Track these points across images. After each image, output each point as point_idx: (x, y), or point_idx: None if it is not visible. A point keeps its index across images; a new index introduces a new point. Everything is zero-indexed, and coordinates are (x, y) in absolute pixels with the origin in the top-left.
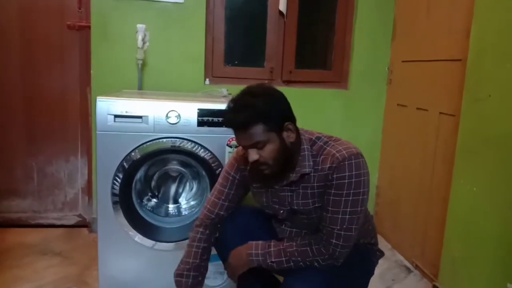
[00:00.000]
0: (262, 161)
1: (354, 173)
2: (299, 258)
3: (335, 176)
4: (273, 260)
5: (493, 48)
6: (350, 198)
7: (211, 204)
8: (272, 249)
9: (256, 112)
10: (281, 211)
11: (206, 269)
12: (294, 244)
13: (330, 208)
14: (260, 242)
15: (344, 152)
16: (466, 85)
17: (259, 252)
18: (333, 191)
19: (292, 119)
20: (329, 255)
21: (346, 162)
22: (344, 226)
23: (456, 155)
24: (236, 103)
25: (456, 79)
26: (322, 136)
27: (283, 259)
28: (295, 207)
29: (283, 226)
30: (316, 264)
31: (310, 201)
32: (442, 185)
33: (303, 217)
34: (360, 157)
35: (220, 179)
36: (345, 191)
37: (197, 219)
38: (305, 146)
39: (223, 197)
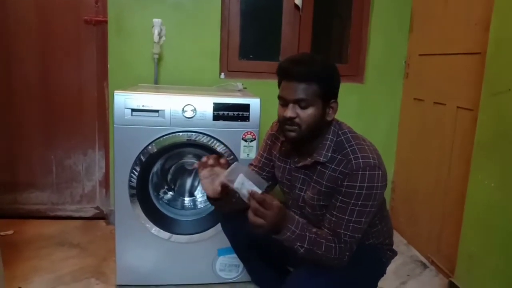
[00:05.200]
0: (296, 121)
1: (366, 185)
2: (321, 252)
3: (345, 183)
4: (304, 245)
5: None
6: (357, 208)
7: (254, 161)
8: (307, 234)
9: (317, 72)
10: (291, 192)
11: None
12: (323, 236)
13: (335, 213)
14: (300, 220)
15: (360, 161)
16: (485, 79)
17: (297, 231)
18: (340, 197)
19: (337, 102)
20: (342, 257)
21: (360, 172)
22: (349, 233)
23: (474, 150)
24: (299, 57)
25: (474, 72)
26: (349, 135)
27: (310, 247)
28: (304, 197)
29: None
30: (327, 262)
31: (316, 197)
32: (458, 180)
33: (308, 211)
34: (377, 169)
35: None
36: (352, 201)
37: None
38: (330, 137)
39: (261, 158)
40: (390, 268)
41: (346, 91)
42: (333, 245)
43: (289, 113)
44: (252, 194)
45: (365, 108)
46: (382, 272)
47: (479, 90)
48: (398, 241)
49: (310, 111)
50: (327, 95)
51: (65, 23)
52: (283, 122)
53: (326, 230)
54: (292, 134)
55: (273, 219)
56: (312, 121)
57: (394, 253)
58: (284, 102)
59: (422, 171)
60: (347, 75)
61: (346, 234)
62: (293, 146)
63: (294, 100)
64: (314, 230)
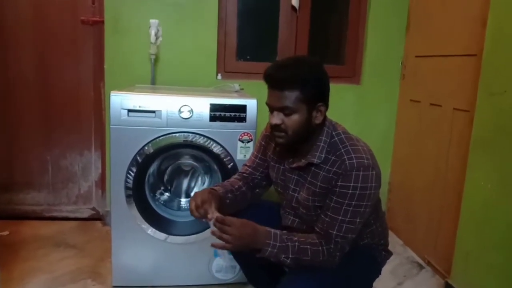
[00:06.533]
0: (282, 128)
1: (359, 185)
2: (308, 258)
3: (339, 183)
4: (289, 256)
5: (510, 41)
6: (351, 208)
7: (248, 161)
8: (289, 244)
9: (298, 77)
10: (285, 193)
11: (230, 207)
12: (307, 241)
13: (329, 213)
14: (278, 232)
15: (354, 161)
16: (481, 80)
17: (277, 244)
18: (334, 198)
19: (326, 104)
20: (332, 259)
21: (354, 173)
22: (341, 234)
23: (470, 150)
24: (283, 62)
25: (470, 74)
26: (343, 136)
27: (295, 256)
28: (298, 198)
29: (287, 214)
30: (318, 265)
31: (310, 198)
32: (455, 181)
33: (303, 211)
34: (371, 170)
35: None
36: (346, 201)
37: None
38: (324, 138)
39: (255, 159)
40: (387, 269)
41: (343, 92)
42: (320, 248)
43: (274, 120)
44: (216, 219)
45: (361, 109)
46: (377, 273)
47: (475, 91)
48: (395, 242)
49: (294, 117)
50: (313, 100)
51: (62, 23)
52: (271, 129)
53: (317, 230)
54: (280, 140)
55: (236, 232)
56: (297, 127)
57: (389, 254)
58: (270, 109)
59: (418, 172)
60: (344, 76)
61: (338, 235)
62: (287, 148)
63: (277, 108)
64: (295, 238)
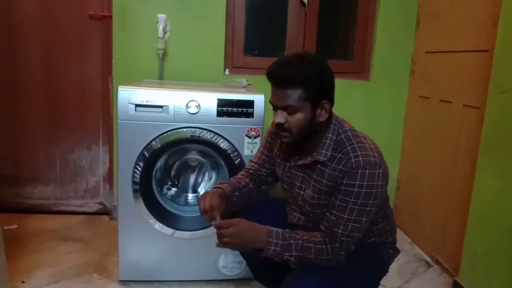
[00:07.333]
0: (286, 127)
1: (365, 183)
2: (312, 255)
3: (344, 182)
4: (292, 253)
5: None
6: (356, 207)
7: (254, 157)
8: (292, 241)
9: (301, 75)
10: (291, 190)
11: (237, 204)
12: (311, 240)
13: (334, 212)
14: (280, 230)
15: (360, 159)
16: (492, 77)
17: (280, 242)
18: (340, 196)
19: (331, 101)
20: (337, 258)
21: (359, 171)
22: (346, 233)
23: (480, 148)
24: (286, 59)
25: (481, 70)
26: (349, 133)
27: (299, 254)
28: (304, 195)
29: (293, 211)
30: (323, 263)
31: (316, 196)
32: (464, 179)
33: (309, 209)
34: (377, 168)
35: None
36: (352, 199)
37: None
38: (330, 135)
39: (261, 155)
40: (394, 267)
41: (351, 88)
42: (323, 246)
43: (277, 119)
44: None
45: (370, 106)
46: (384, 271)
47: (486, 88)
48: (402, 240)
49: (298, 116)
50: (316, 97)
51: (69, 18)
52: (276, 127)
53: (323, 228)
54: (285, 139)
55: (234, 231)
56: (301, 125)
57: (397, 252)
58: (273, 107)
59: (427, 169)
60: (352, 72)
61: (343, 234)
62: (292, 146)
63: (280, 107)
64: (298, 236)
